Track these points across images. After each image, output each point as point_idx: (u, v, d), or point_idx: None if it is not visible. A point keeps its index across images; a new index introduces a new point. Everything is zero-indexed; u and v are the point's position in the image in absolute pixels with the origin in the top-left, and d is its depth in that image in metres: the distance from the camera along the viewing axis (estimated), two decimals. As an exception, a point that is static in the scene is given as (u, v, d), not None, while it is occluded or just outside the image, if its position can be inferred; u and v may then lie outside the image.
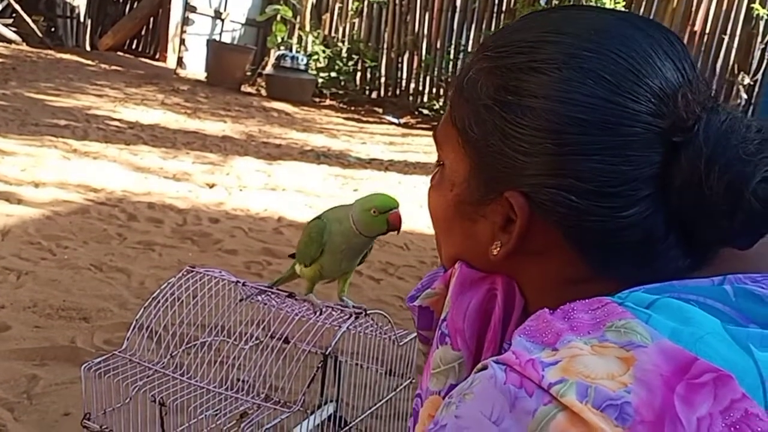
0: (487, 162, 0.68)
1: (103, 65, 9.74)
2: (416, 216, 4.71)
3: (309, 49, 10.10)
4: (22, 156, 4.81)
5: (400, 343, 1.45)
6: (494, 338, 0.72)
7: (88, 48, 11.00)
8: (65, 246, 3.45)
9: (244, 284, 1.42)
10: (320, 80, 9.93)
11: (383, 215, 1.45)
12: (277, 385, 1.68)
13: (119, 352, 1.37)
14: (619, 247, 0.66)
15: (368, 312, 1.43)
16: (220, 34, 10.57)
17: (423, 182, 5.73)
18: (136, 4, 11.71)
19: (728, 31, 9.09)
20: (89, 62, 9.78)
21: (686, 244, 0.68)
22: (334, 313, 1.42)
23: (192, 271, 1.46)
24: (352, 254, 1.53)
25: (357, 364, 1.64)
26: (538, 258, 0.69)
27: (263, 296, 1.54)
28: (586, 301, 0.64)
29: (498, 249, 0.69)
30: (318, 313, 1.37)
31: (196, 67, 10.26)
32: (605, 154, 0.64)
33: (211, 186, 4.82)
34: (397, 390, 1.52)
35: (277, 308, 1.53)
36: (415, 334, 1.67)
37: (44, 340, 2.56)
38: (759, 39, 8.55)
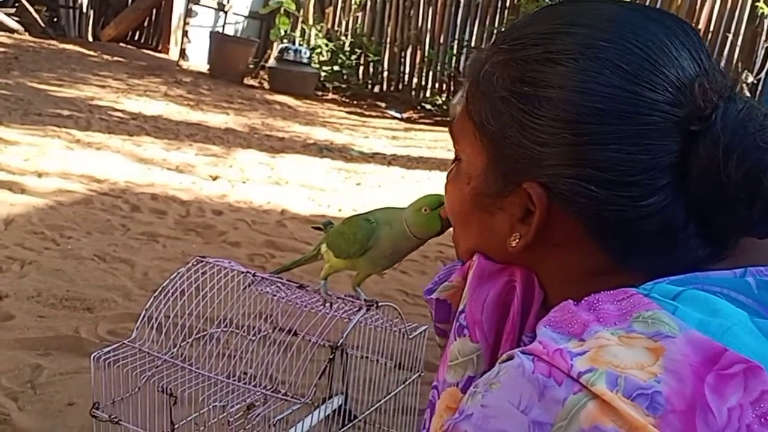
0: (505, 154, 0.68)
1: (105, 56, 9.72)
2: (419, 210, 4.71)
3: (312, 42, 10.08)
4: (25, 146, 4.80)
5: (410, 337, 1.44)
6: (513, 330, 0.72)
7: (90, 39, 10.97)
8: (69, 236, 3.44)
9: (254, 275, 1.41)
10: (323, 74, 9.91)
11: (435, 211, 1.40)
12: (285, 378, 1.68)
13: (128, 341, 1.36)
14: (638, 237, 0.66)
15: (379, 304, 1.42)
16: (223, 26, 10.54)
17: (426, 177, 5.72)
18: (139, -5, 11.68)
19: (732, 30, 9.08)
20: (92, 53, 9.76)
21: (706, 234, 0.67)
22: (344, 305, 1.42)
23: (201, 262, 1.45)
24: (396, 258, 1.48)
25: (365, 357, 1.63)
26: (558, 249, 0.69)
27: (272, 287, 1.54)
28: (611, 292, 0.64)
29: (517, 241, 0.69)
30: (328, 306, 1.36)
31: (198, 59, 10.24)
32: (623, 143, 0.64)
33: (215, 178, 4.81)
34: (406, 384, 1.51)
35: (286, 300, 1.53)
36: (424, 327, 1.67)
37: (48, 329, 2.56)
38: (763, 37, 8.54)
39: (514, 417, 0.57)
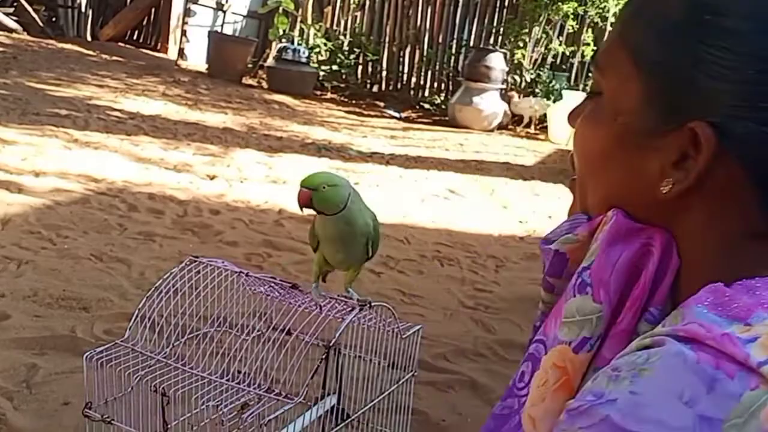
0: (669, 88, 0.62)
1: (104, 56, 9.71)
2: (418, 209, 4.71)
3: (311, 41, 10.07)
4: (23, 145, 4.80)
5: (403, 336, 1.44)
6: (640, 298, 0.66)
7: (89, 38, 10.96)
8: (65, 236, 3.44)
9: (247, 275, 1.41)
10: (322, 73, 9.91)
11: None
12: (279, 377, 1.68)
13: (121, 341, 1.36)
14: None
15: (372, 304, 1.42)
16: (222, 25, 10.54)
17: (424, 176, 5.72)
18: (137, -6, 11.67)
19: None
20: (90, 52, 9.75)
21: None
22: (337, 305, 1.42)
23: (195, 261, 1.45)
24: (341, 243, 1.48)
25: (359, 357, 1.63)
26: (711, 201, 0.62)
27: (265, 287, 1.53)
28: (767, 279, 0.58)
29: (670, 187, 0.62)
30: (319, 308, 1.36)
31: (197, 59, 10.23)
32: None
33: (212, 177, 4.81)
34: (399, 383, 1.51)
35: (279, 299, 1.53)
36: (418, 327, 1.66)
37: (44, 329, 2.56)
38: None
39: (675, 408, 0.52)
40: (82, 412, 1.32)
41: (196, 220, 3.93)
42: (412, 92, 10.35)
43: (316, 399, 1.66)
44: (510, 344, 2.93)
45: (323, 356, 1.22)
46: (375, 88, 10.51)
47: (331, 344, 1.23)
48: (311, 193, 1.36)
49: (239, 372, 1.51)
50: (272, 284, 1.41)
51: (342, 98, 9.79)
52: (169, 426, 1.48)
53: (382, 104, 9.75)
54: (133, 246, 3.45)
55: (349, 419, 1.52)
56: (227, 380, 1.46)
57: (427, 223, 4.48)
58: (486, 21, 9.97)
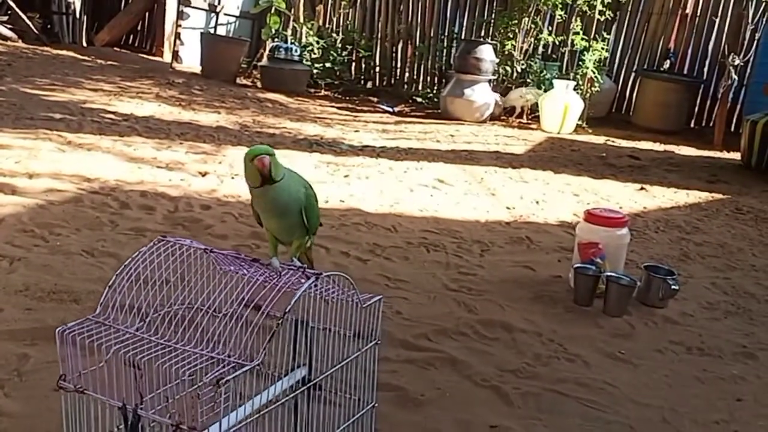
0: None
1: (99, 60, 9.80)
2: (406, 199, 4.78)
3: (303, 40, 10.15)
4: (17, 149, 4.89)
5: (363, 306, 1.52)
6: None
7: (84, 44, 11.06)
8: (58, 233, 3.52)
9: (211, 251, 1.49)
10: (315, 71, 9.98)
11: (252, 162, 1.54)
12: (249, 350, 1.76)
13: (93, 317, 1.44)
14: None
15: (329, 275, 1.49)
16: (215, 27, 10.62)
17: (414, 167, 5.79)
18: (131, -1, 11.76)
19: (719, 13, 9.13)
20: (85, 58, 9.85)
21: None
22: (294, 276, 1.49)
23: (163, 241, 1.53)
24: (272, 212, 1.61)
25: (327, 329, 1.70)
26: None
27: (234, 266, 1.61)
28: None
29: None
30: (278, 276, 1.44)
31: (192, 61, 10.32)
32: None
33: (204, 174, 4.89)
34: (361, 351, 1.58)
35: (248, 276, 1.60)
36: (379, 297, 1.74)
37: (35, 321, 2.64)
38: (749, 20, 8.58)
39: None
40: (57, 384, 1.39)
41: (186, 215, 4.01)
42: (405, 87, 10.43)
43: (287, 371, 1.74)
44: (490, 323, 3.01)
45: (277, 325, 1.30)
46: (369, 84, 10.59)
47: (284, 315, 1.31)
48: (270, 158, 1.50)
49: (211, 343, 1.58)
50: (236, 259, 1.49)
51: (336, 95, 9.87)
52: (144, 398, 1.55)
53: (375, 99, 9.82)
54: (124, 241, 3.53)
55: (310, 384, 1.59)
56: (201, 351, 1.53)
57: (414, 212, 4.55)
58: (477, 14, 10.04)
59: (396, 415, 2.25)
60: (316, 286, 1.58)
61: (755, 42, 8.65)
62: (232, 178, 4.89)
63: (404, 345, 2.75)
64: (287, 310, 1.30)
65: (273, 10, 9.92)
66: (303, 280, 1.41)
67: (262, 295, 1.56)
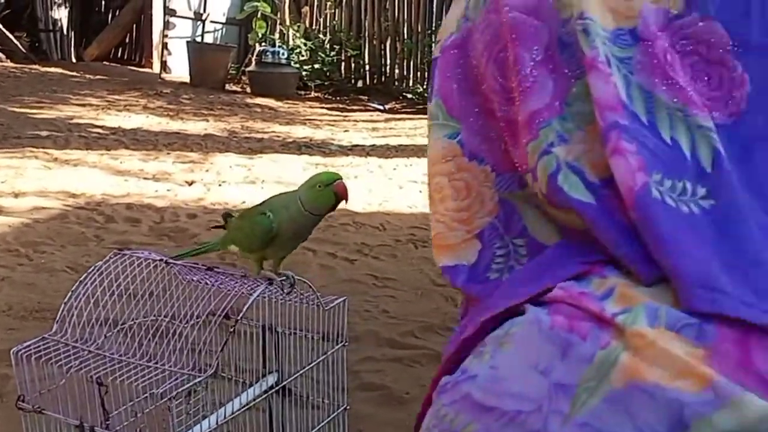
0: None
1: (88, 75, 9.81)
2: (395, 197, 4.76)
3: (291, 42, 10.13)
4: (3, 168, 4.88)
5: (325, 308, 1.50)
6: None
7: (73, 60, 11.06)
8: (43, 251, 3.51)
9: (167, 262, 1.47)
10: (304, 73, 9.96)
11: (328, 188, 1.46)
12: (216, 360, 1.75)
13: (49, 335, 1.42)
14: None
15: (283, 278, 1.48)
16: (202, 35, 10.61)
17: (404, 164, 5.77)
18: (118, 12, 11.75)
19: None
20: (74, 74, 9.85)
21: None
22: (257, 284, 1.47)
23: (119, 254, 1.51)
24: (300, 237, 1.56)
25: (294, 334, 1.69)
26: None
27: (197, 276, 1.59)
28: None
29: None
30: (239, 283, 1.42)
31: (180, 70, 10.30)
32: None
33: (190, 183, 4.88)
34: (327, 354, 1.57)
35: (210, 284, 1.58)
36: (342, 299, 1.72)
37: (17, 341, 2.59)
38: None
39: (531, 379, 0.50)
40: (15, 405, 1.38)
41: (172, 226, 3.99)
42: (395, 84, 10.39)
43: (258, 378, 1.72)
44: (477, 317, 2.99)
45: (229, 333, 1.28)
46: (359, 83, 10.56)
47: (236, 321, 1.29)
48: None
49: (178, 359, 1.57)
50: (193, 268, 1.47)
51: (326, 96, 9.85)
52: (110, 415, 1.53)
53: (365, 98, 9.79)
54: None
55: (278, 386, 1.57)
56: (167, 366, 1.51)
57: (403, 209, 4.53)
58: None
59: (380, 415, 2.23)
60: (286, 291, 1.55)
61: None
62: (219, 185, 4.88)
63: (390, 344, 2.73)
64: (239, 317, 1.28)
65: (259, 15, 9.90)
66: (259, 285, 1.39)
67: (224, 304, 1.54)
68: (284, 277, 1.51)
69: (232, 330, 1.27)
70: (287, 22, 10.25)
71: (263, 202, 1.55)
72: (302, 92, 9.83)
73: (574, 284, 0.54)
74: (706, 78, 0.58)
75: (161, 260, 1.47)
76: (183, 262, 1.48)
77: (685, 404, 0.46)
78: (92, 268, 1.48)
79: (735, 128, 0.57)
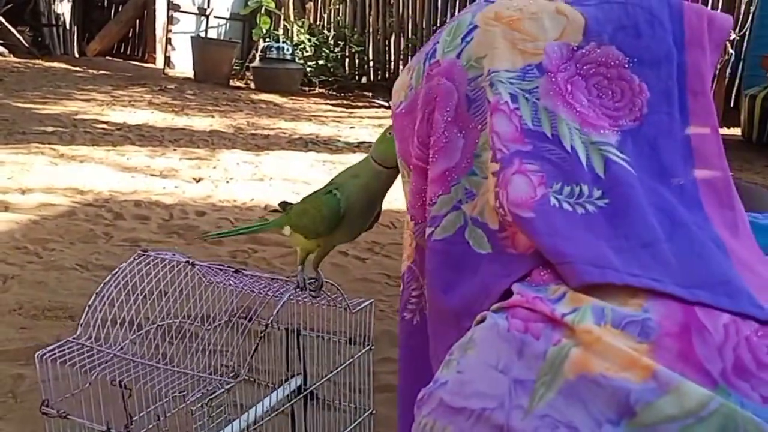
0: None
1: (91, 71, 9.76)
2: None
3: (295, 38, 10.09)
4: (9, 164, 4.84)
5: (353, 311, 1.47)
6: None
7: (76, 55, 11.02)
8: (52, 248, 3.48)
9: (193, 264, 1.44)
10: (308, 69, 9.93)
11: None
12: (240, 363, 1.71)
13: (73, 338, 1.39)
14: None
15: (322, 282, 1.44)
16: (206, 30, 10.57)
17: (411, 161, 5.74)
18: (121, 7, 11.71)
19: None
20: (77, 69, 9.81)
21: None
22: (285, 286, 1.44)
23: (143, 255, 1.48)
24: (372, 208, 1.39)
25: (320, 336, 1.66)
26: None
27: (221, 277, 1.56)
28: None
29: None
30: (266, 286, 1.39)
31: (184, 66, 10.27)
32: None
33: (198, 180, 4.84)
34: (354, 358, 1.54)
35: (234, 286, 1.55)
36: (370, 301, 1.69)
37: (30, 340, 2.59)
38: (743, -7, 8.51)
39: (492, 378, 0.55)
40: (39, 410, 1.35)
41: (181, 223, 3.96)
42: (400, 80, 10.34)
43: (280, 382, 1.69)
44: (493, 317, 2.96)
45: (260, 338, 1.25)
46: (363, 80, 10.52)
47: (266, 326, 1.26)
48: None
49: (202, 360, 1.54)
50: (219, 270, 1.44)
51: (330, 92, 9.81)
52: (133, 419, 1.51)
53: (370, 95, 9.76)
54: (119, 253, 3.49)
55: (304, 392, 1.55)
56: (191, 371, 1.48)
57: (413, 206, 4.50)
58: (467, 2, 9.96)
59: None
60: (314, 295, 1.52)
61: (750, 15, 8.57)
62: (227, 182, 4.84)
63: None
64: (270, 321, 1.25)
65: (263, 10, 9.86)
66: (287, 288, 1.36)
67: (249, 306, 1.51)
68: (313, 279, 1.48)
69: (262, 335, 1.24)
70: (291, 18, 10.21)
71: (327, 184, 1.40)
72: (306, 88, 9.80)
73: (530, 290, 0.60)
74: (610, 93, 0.68)
75: (186, 262, 1.44)
76: (209, 264, 1.45)
77: (630, 392, 0.50)
78: (116, 269, 1.45)
79: (640, 130, 0.67)
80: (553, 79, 0.68)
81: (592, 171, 0.64)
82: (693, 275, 0.57)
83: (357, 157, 5.83)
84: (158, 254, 1.47)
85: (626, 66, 0.68)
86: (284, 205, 1.61)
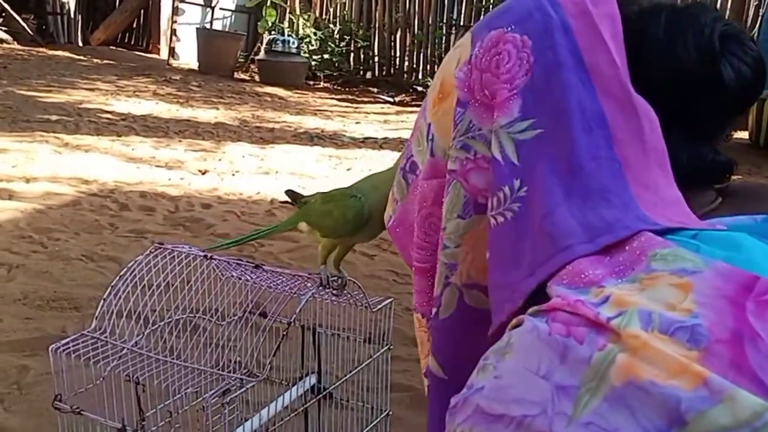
0: None
1: (95, 60, 9.71)
2: (410, 191, 4.69)
3: (300, 32, 10.04)
4: (14, 152, 4.81)
5: (373, 310, 1.44)
6: None
7: (80, 44, 10.97)
8: (57, 238, 3.44)
9: (211, 258, 1.40)
10: (313, 63, 9.88)
11: None
12: (256, 360, 1.68)
13: (88, 332, 1.36)
14: None
15: (345, 280, 1.41)
16: (211, 22, 10.52)
17: (418, 158, 5.70)
18: (125, -4, 11.66)
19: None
20: (81, 58, 9.76)
21: None
22: (307, 283, 1.41)
23: (160, 248, 1.45)
24: None
25: (336, 335, 1.63)
26: None
27: (237, 271, 1.53)
28: (615, 242, 0.61)
29: None
30: (285, 282, 1.35)
31: (188, 57, 10.22)
32: None
33: (204, 172, 4.81)
34: (372, 358, 1.50)
35: (252, 282, 1.52)
36: (389, 300, 1.66)
37: (35, 330, 2.56)
38: (752, -4, 8.48)
39: (533, 384, 0.52)
40: (52, 405, 1.32)
41: (187, 215, 3.92)
42: (405, 76, 10.31)
43: (295, 379, 1.66)
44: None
45: (282, 336, 1.22)
46: (368, 75, 10.47)
47: (289, 324, 1.23)
48: None
49: (216, 357, 1.50)
50: (237, 266, 1.41)
51: (335, 86, 9.77)
52: (146, 415, 1.47)
53: (375, 90, 9.71)
54: (124, 244, 3.45)
55: (324, 392, 1.51)
56: (205, 367, 1.45)
57: (420, 203, 4.47)
58: (475, 0, 9.90)
59: (410, 418, 2.17)
60: (336, 293, 1.48)
61: (759, 18, 8.52)
62: (233, 175, 4.81)
63: (415, 342, 2.67)
64: (292, 319, 1.22)
65: (269, 3, 9.81)
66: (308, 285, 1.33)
67: (268, 302, 1.48)
68: (336, 277, 1.44)
69: (284, 334, 1.21)
70: (297, 11, 10.16)
71: (350, 186, 1.41)
72: (311, 82, 9.75)
73: (571, 292, 0.57)
74: (498, 60, 0.68)
75: (204, 256, 1.40)
76: (227, 258, 1.42)
77: (681, 400, 0.47)
78: (132, 262, 1.41)
79: (533, 79, 0.66)
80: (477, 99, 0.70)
81: (509, 161, 0.64)
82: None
83: (363, 153, 5.79)
84: (175, 247, 1.43)
85: (506, 31, 0.67)
86: (292, 194, 1.59)
